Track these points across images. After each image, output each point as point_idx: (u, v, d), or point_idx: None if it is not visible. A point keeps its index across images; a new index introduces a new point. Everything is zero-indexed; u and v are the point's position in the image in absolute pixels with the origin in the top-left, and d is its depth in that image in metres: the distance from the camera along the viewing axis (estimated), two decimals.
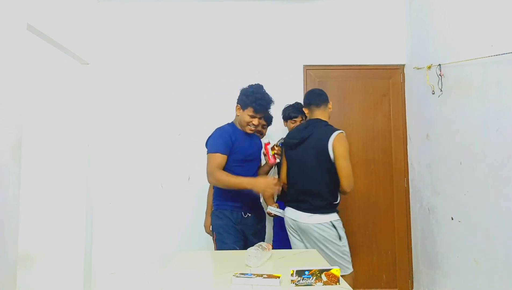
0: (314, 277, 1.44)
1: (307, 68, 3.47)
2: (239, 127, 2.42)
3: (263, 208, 2.59)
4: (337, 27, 3.48)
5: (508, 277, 2.16)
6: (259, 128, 2.66)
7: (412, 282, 3.35)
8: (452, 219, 2.70)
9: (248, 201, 2.40)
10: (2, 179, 2.05)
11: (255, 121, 2.34)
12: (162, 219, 3.33)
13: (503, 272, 2.20)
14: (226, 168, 2.30)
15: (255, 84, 2.41)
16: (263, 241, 2.26)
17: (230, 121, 2.51)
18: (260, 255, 1.75)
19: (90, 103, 3.29)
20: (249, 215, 2.42)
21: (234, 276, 1.49)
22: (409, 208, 3.39)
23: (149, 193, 3.34)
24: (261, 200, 2.68)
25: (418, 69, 3.13)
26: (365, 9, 3.49)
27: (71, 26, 2.97)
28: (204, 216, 2.77)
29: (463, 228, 2.59)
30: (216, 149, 2.28)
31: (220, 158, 2.27)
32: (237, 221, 2.38)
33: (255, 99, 2.29)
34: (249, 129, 2.37)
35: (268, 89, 3.23)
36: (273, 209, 2.62)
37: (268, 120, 2.86)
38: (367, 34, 3.47)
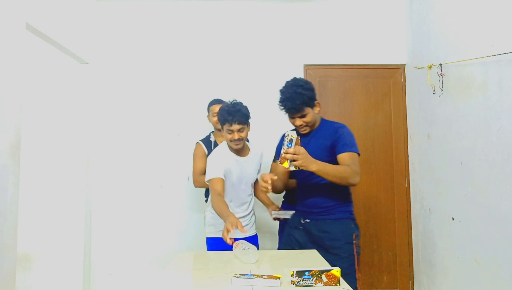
0: (314, 278, 1.43)
1: (308, 68, 3.46)
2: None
3: (330, 213, 2.12)
4: (338, 26, 3.47)
5: (509, 278, 2.15)
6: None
7: (413, 283, 3.34)
8: (453, 219, 2.69)
9: (311, 203, 2.13)
10: (0, 179, 2.04)
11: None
12: (161, 219, 3.32)
13: (504, 272, 2.19)
14: None
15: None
16: (341, 268, 1.98)
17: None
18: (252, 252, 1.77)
19: (89, 103, 3.28)
20: (308, 221, 2.13)
21: (234, 277, 1.48)
22: (410, 208, 3.38)
23: (148, 193, 3.33)
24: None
25: (419, 68, 3.13)
26: (365, 8, 3.48)
27: (70, 26, 2.96)
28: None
29: (464, 229, 2.58)
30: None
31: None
32: (293, 225, 2.18)
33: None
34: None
35: (268, 89, 3.25)
36: (277, 213, 2.35)
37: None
38: (367, 34, 3.46)
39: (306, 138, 2.11)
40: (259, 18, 3.47)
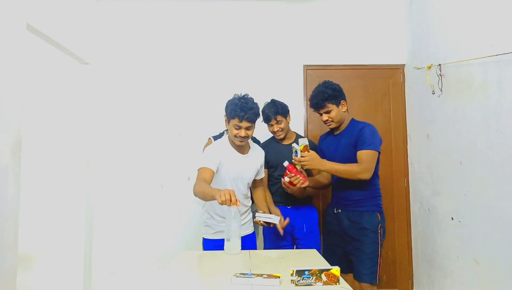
0: (314, 277, 1.44)
1: (307, 68, 3.46)
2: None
3: (360, 206, 2.30)
4: (337, 27, 3.48)
5: (508, 277, 2.16)
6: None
7: (412, 282, 3.35)
8: (452, 219, 2.69)
9: (342, 196, 2.35)
10: (1, 179, 2.04)
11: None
12: (162, 219, 3.32)
13: (503, 272, 2.20)
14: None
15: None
16: (365, 252, 2.20)
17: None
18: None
19: (89, 103, 3.28)
20: (339, 211, 2.35)
21: (234, 276, 1.49)
22: (409, 208, 3.39)
23: (149, 193, 3.33)
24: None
25: (418, 69, 3.13)
26: (365, 8, 3.49)
27: (71, 26, 2.96)
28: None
29: (463, 228, 2.58)
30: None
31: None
32: (328, 214, 2.44)
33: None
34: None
35: (268, 89, 3.26)
36: (259, 215, 2.23)
37: None
38: (367, 34, 3.47)
39: (337, 136, 2.40)
40: (259, 18, 3.47)
